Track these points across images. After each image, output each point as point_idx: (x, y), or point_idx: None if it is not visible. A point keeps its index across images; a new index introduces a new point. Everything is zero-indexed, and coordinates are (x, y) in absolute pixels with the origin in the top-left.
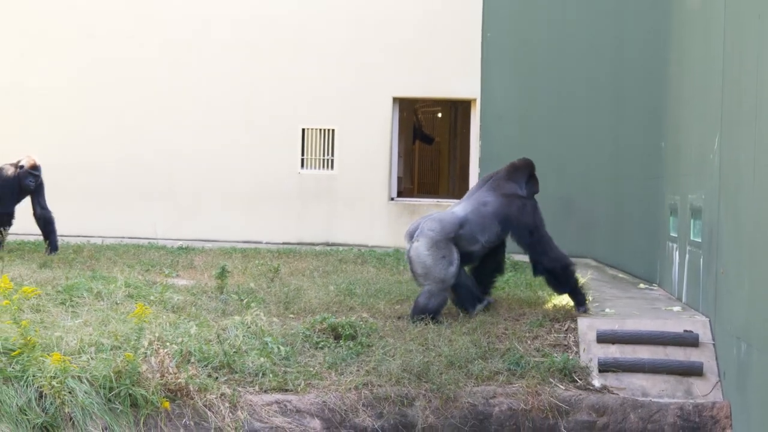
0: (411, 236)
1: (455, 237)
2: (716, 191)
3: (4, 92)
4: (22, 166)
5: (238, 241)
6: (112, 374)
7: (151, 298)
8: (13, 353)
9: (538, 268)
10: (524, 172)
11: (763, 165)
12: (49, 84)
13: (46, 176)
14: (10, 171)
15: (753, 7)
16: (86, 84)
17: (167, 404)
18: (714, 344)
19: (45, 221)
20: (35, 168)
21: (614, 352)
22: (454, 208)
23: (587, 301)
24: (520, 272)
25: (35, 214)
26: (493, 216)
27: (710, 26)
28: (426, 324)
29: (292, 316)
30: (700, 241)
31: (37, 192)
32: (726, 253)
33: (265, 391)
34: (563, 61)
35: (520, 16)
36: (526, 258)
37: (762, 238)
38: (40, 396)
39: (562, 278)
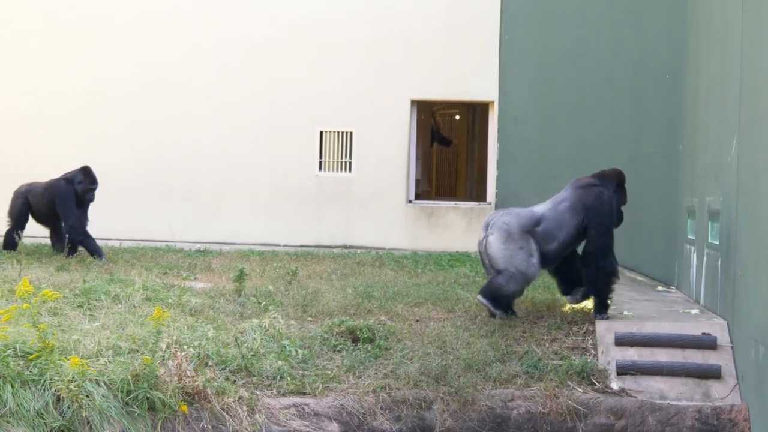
0: (486, 228)
1: (531, 233)
2: (734, 193)
3: (24, 96)
4: (81, 181)
5: (255, 244)
6: (129, 377)
7: (169, 301)
8: (30, 356)
9: (588, 261)
10: (613, 180)
11: None
12: (69, 87)
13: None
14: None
15: None
16: (105, 88)
17: (185, 408)
18: (732, 347)
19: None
20: (94, 182)
21: (632, 354)
22: (534, 207)
23: (607, 312)
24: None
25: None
26: (571, 209)
27: (728, 29)
28: (443, 326)
29: (310, 319)
30: (718, 243)
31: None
32: (744, 255)
33: (283, 395)
34: (582, 64)
35: (538, 18)
36: None
37: None
38: (58, 399)
39: (602, 282)
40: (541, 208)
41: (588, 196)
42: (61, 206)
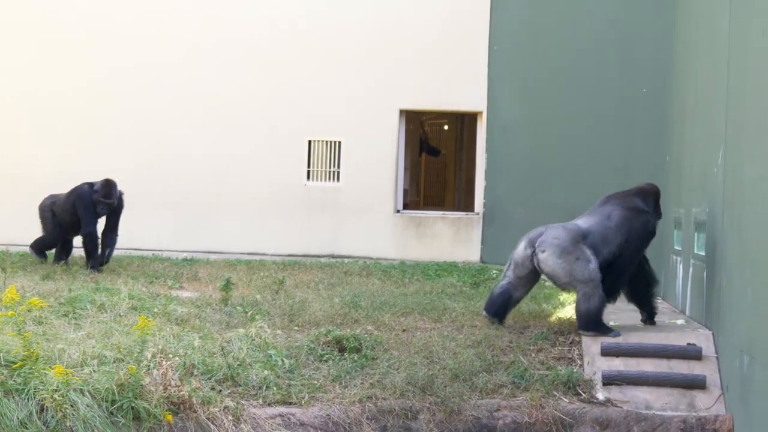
0: (532, 244)
1: (582, 243)
2: (720, 205)
3: (16, 100)
4: (97, 190)
5: (243, 253)
6: (114, 387)
7: (155, 310)
8: (15, 365)
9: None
10: (652, 197)
11: None
12: (59, 92)
13: (49, 185)
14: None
15: (757, 22)
16: (94, 94)
17: (170, 417)
18: (717, 357)
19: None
20: (106, 196)
21: (618, 365)
22: (576, 221)
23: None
24: None
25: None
26: (617, 228)
27: (715, 41)
28: (430, 336)
29: (296, 328)
30: (703, 254)
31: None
32: (729, 266)
33: (269, 404)
34: (570, 74)
35: (527, 29)
36: None
37: (765, 252)
38: (42, 409)
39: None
40: (586, 222)
41: (636, 220)
42: (81, 210)
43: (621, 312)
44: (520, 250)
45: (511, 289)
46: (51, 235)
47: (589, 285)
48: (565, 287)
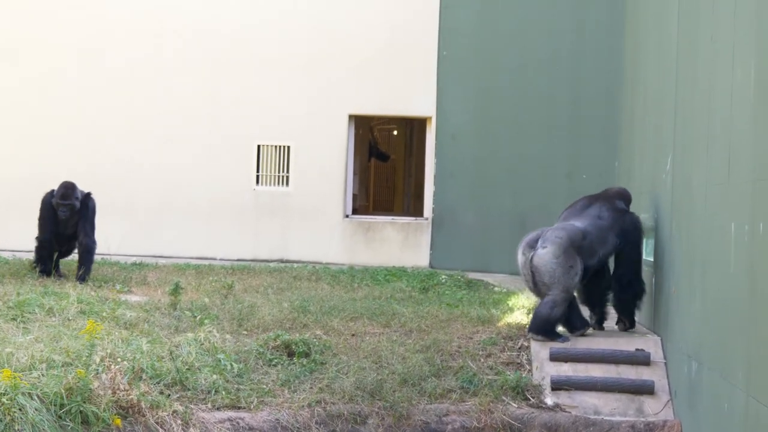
0: (531, 245)
1: (578, 249)
2: (668, 211)
3: None
4: (53, 195)
5: (192, 258)
6: (63, 391)
7: (104, 314)
8: None
9: (624, 284)
10: (628, 200)
11: (715, 185)
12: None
13: None
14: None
15: (705, 29)
16: (41, 96)
17: (119, 421)
18: (666, 363)
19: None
20: (63, 197)
21: (567, 370)
22: (571, 221)
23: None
24: (474, 290)
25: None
26: (609, 229)
27: (663, 47)
28: (379, 341)
29: (245, 333)
30: (652, 260)
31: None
32: (678, 272)
33: (218, 409)
34: (520, 80)
35: (477, 34)
36: (481, 276)
37: (714, 258)
38: None
39: (638, 303)
40: (581, 223)
41: (624, 222)
42: (38, 221)
43: None
44: (520, 258)
45: None
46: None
47: (564, 294)
48: (537, 286)
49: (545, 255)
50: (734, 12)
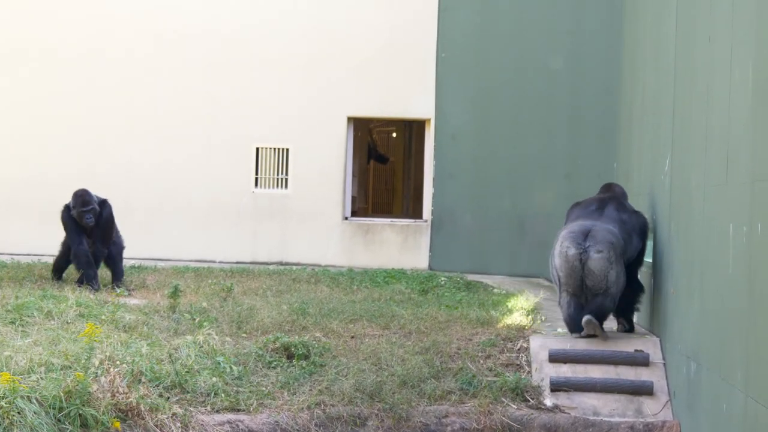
0: (579, 242)
1: (621, 252)
2: (667, 212)
3: None
4: (73, 206)
5: (191, 260)
6: (62, 394)
7: (103, 317)
8: None
9: (636, 281)
10: (627, 198)
11: (713, 186)
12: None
13: None
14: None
15: (703, 29)
16: (40, 97)
17: (118, 424)
18: (664, 364)
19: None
20: (84, 204)
21: (566, 371)
22: (603, 224)
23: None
24: (473, 292)
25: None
26: (632, 230)
27: (661, 48)
28: (378, 343)
29: (244, 335)
30: (650, 261)
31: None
32: (676, 273)
33: (217, 411)
34: (518, 82)
35: (475, 36)
36: (480, 277)
37: (712, 259)
38: None
39: (632, 304)
40: (611, 226)
41: (639, 222)
42: (65, 233)
43: None
44: (571, 252)
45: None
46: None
47: (614, 299)
48: (585, 285)
49: (602, 260)
50: (732, 13)
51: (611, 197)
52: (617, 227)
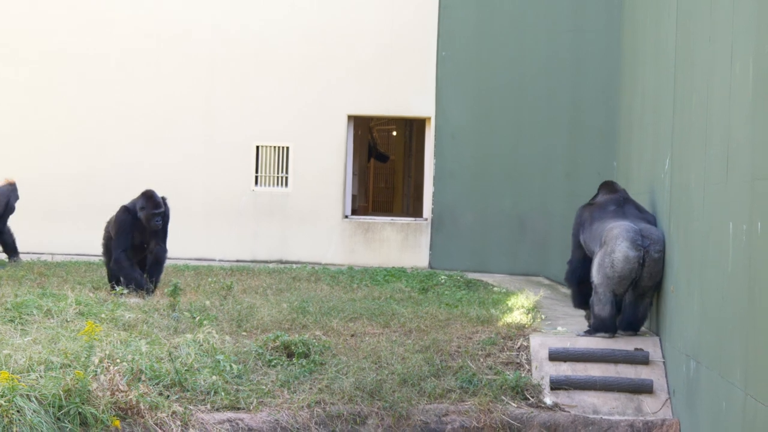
0: (637, 242)
1: None
2: (667, 211)
3: None
4: (143, 207)
5: (191, 258)
6: (61, 392)
7: (102, 315)
8: None
9: None
10: None
11: (713, 184)
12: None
13: None
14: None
15: (703, 29)
16: (39, 101)
17: (117, 423)
18: (664, 362)
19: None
20: (157, 206)
21: (566, 369)
22: (644, 224)
23: None
24: (473, 290)
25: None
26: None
27: (661, 48)
28: (379, 341)
29: (244, 333)
30: None
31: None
32: (676, 271)
33: (217, 410)
34: (519, 81)
35: (476, 35)
36: (480, 276)
37: (712, 257)
38: None
39: None
40: (651, 225)
41: (654, 220)
42: (115, 236)
43: (569, 317)
44: (632, 253)
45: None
46: (107, 264)
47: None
48: (636, 285)
49: (660, 261)
50: (732, 12)
51: (625, 198)
52: (646, 228)
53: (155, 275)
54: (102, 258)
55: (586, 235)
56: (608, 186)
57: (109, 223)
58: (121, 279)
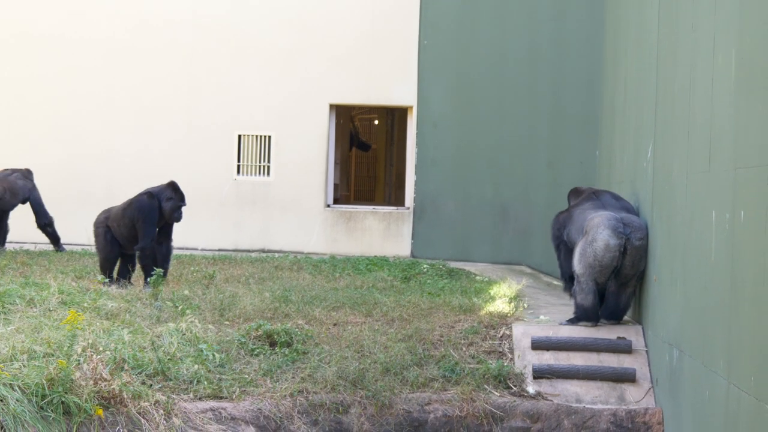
0: (618, 230)
1: None
2: (649, 199)
3: None
4: (170, 197)
5: (173, 247)
6: (44, 382)
7: (85, 304)
8: None
9: None
10: None
11: (696, 173)
12: None
13: None
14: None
15: (686, 17)
16: (21, 91)
17: (101, 412)
18: (647, 351)
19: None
20: (183, 199)
21: (548, 358)
22: (624, 213)
23: None
24: (455, 279)
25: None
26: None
27: (644, 36)
28: (361, 330)
29: (227, 323)
30: None
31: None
32: (659, 260)
33: (200, 399)
34: (501, 70)
35: (457, 24)
36: (462, 265)
37: (694, 246)
38: None
39: None
40: (630, 213)
41: (632, 207)
42: (142, 223)
43: (552, 306)
44: (612, 241)
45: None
46: (103, 253)
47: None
48: (618, 273)
49: (642, 248)
50: (715, 0)
51: (595, 191)
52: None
53: (166, 267)
54: (94, 247)
55: (570, 229)
56: (575, 191)
57: (109, 210)
58: (145, 270)
